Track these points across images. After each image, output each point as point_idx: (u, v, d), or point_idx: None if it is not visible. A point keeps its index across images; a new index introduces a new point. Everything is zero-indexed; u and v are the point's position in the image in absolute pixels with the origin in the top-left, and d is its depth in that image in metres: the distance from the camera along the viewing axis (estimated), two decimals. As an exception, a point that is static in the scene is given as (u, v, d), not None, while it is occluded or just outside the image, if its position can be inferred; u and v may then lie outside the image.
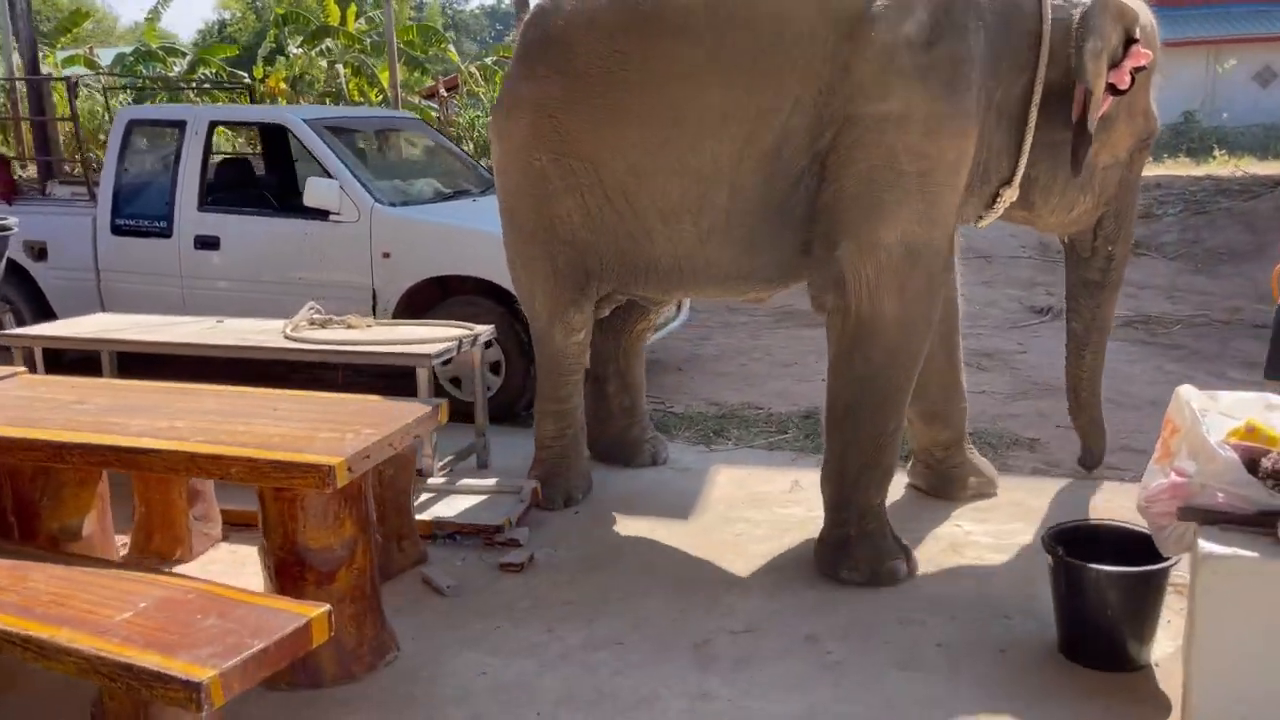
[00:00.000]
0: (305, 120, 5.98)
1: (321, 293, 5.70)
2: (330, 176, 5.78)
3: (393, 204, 5.80)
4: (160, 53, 22.24)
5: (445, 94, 22.58)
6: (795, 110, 3.60)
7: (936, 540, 4.04)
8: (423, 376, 4.33)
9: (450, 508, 4.24)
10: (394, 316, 5.71)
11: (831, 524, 3.78)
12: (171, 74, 23.30)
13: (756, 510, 4.37)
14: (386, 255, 5.68)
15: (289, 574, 3.02)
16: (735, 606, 3.52)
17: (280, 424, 3.09)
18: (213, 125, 6.18)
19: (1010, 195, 3.82)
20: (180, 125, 6.16)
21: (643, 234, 3.90)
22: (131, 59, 21.84)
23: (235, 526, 4.20)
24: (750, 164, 3.66)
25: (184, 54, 23.36)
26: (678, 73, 3.67)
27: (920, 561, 3.82)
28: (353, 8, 22.20)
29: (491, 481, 4.39)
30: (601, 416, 4.81)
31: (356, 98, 22.99)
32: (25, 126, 13.01)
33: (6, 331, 4.90)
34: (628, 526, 4.22)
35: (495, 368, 5.60)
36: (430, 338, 4.51)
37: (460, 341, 4.53)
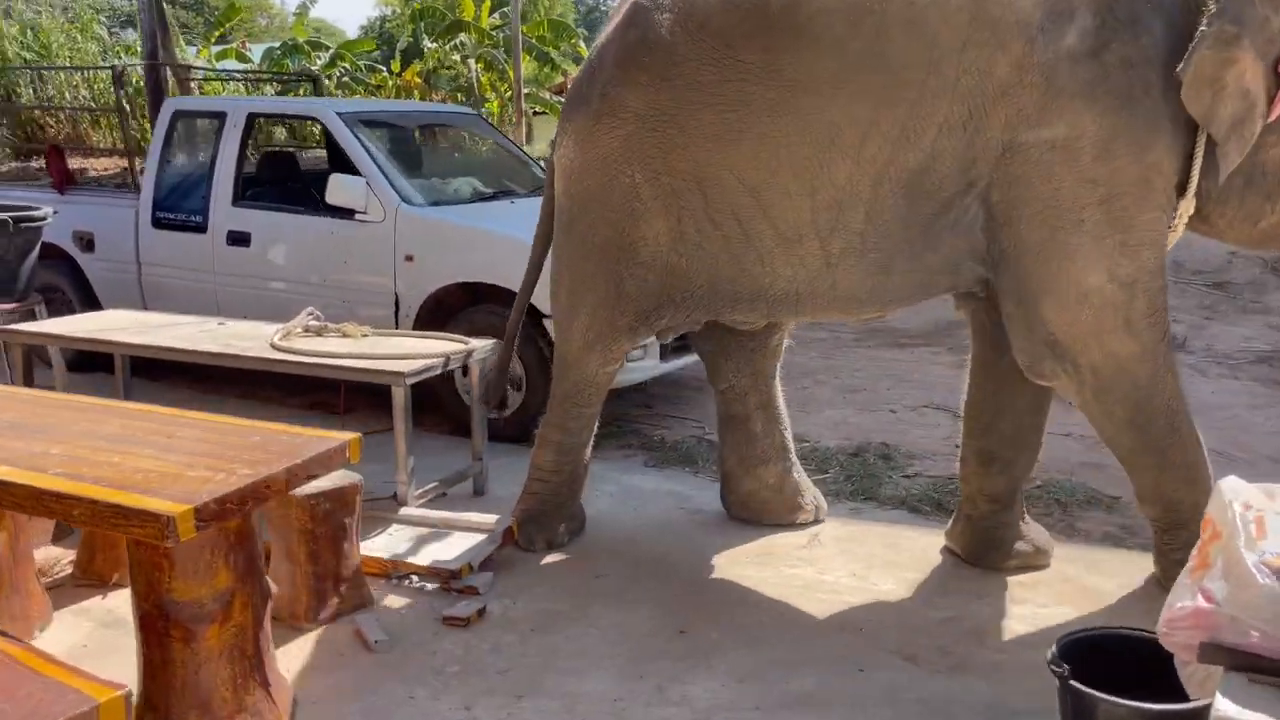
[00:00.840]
0: (339, 114, 5.70)
1: (345, 295, 5.44)
2: (358, 173, 5.47)
3: (420, 204, 5.45)
4: (306, 47, 22.80)
5: (572, 89, 22.37)
6: (943, 133, 3.16)
7: (956, 624, 3.40)
8: (398, 395, 3.96)
9: (413, 544, 3.84)
10: (416, 323, 5.37)
11: (1171, 546, 3.40)
12: (314, 67, 23.93)
13: (760, 567, 3.82)
14: (409, 258, 5.35)
15: (153, 629, 2.66)
16: (690, 698, 2.99)
17: (162, 455, 2.74)
18: (251, 117, 5.97)
19: (1186, 208, 3.26)
20: (221, 117, 5.97)
21: (753, 259, 3.43)
22: (279, 53, 22.48)
23: None
24: (890, 186, 3.24)
25: (328, 48, 23.91)
26: (810, 86, 3.22)
27: (930, 651, 3.21)
28: (486, 3, 22.27)
29: (468, 516, 3.97)
30: (750, 463, 4.14)
31: (488, 92, 23.12)
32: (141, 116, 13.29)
33: (6, 328, 4.76)
34: (605, 578, 3.74)
35: (517, 384, 5.19)
36: (417, 352, 4.13)
37: (447, 358, 4.13)
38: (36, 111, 16.83)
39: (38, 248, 5.60)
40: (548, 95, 23.84)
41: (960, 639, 3.29)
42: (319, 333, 4.55)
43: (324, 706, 2.94)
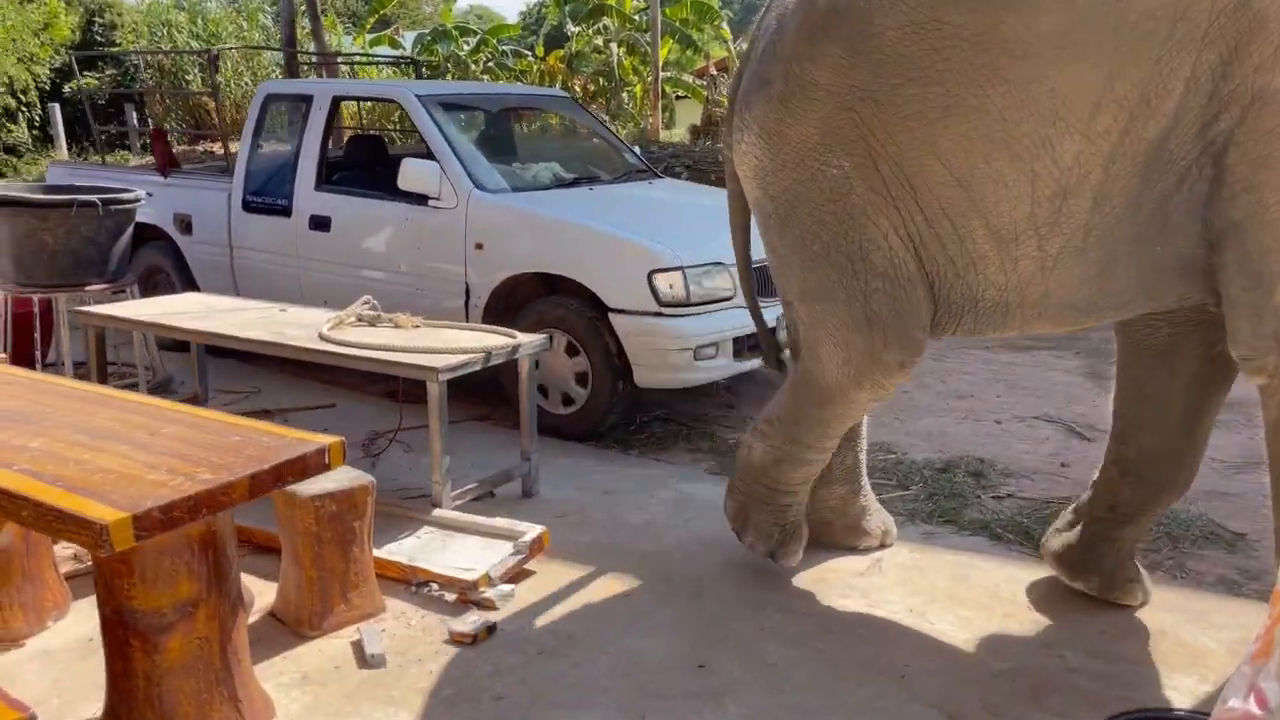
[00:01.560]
0: (418, 96, 5.56)
1: (419, 283, 5.32)
2: (433, 158, 5.33)
3: (493, 190, 5.26)
4: (454, 33, 23.16)
5: (715, 73, 22.08)
6: (1191, 89, 2.61)
7: (1014, 678, 2.97)
8: (433, 391, 3.76)
9: (438, 550, 3.65)
10: (485, 313, 5.20)
11: None
12: (461, 53, 24.29)
13: (806, 595, 3.46)
14: (479, 246, 5.17)
15: (114, 637, 2.54)
16: (689, 741, 2.69)
17: (134, 454, 2.61)
18: (336, 100, 5.91)
19: None
20: (307, 100, 5.93)
21: (966, 263, 2.92)
22: (429, 39, 22.91)
23: (255, 549, 3.81)
24: (1124, 164, 2.72)
25: (476, 33, 24.25)
26: (1028, 50, 2.68)
27: (975, 709, 2.81)
28: (629, -13, 22.10)
29: (499, 522, 3.75)
30: (815, 483, 3.65)
31: (630, 76, 22.97)
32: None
33: (78, 309, 4.81)
34: (632, 598, 3.45)
35: (582, 379, 4.95)
36: (456, 347, 3.93)
37: (488, 354, 3.92)
38: (204, 98, 17.53)
39: (130, 230, 5.69)
40: (690, 79, 23.54)
41: (1014, 698, 2.87)
42: (372, 322, 4.42)
43: (301, 725, 2.76)
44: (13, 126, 20.67)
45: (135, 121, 21.21)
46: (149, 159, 9.47)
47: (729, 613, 3.35)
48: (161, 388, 5.85)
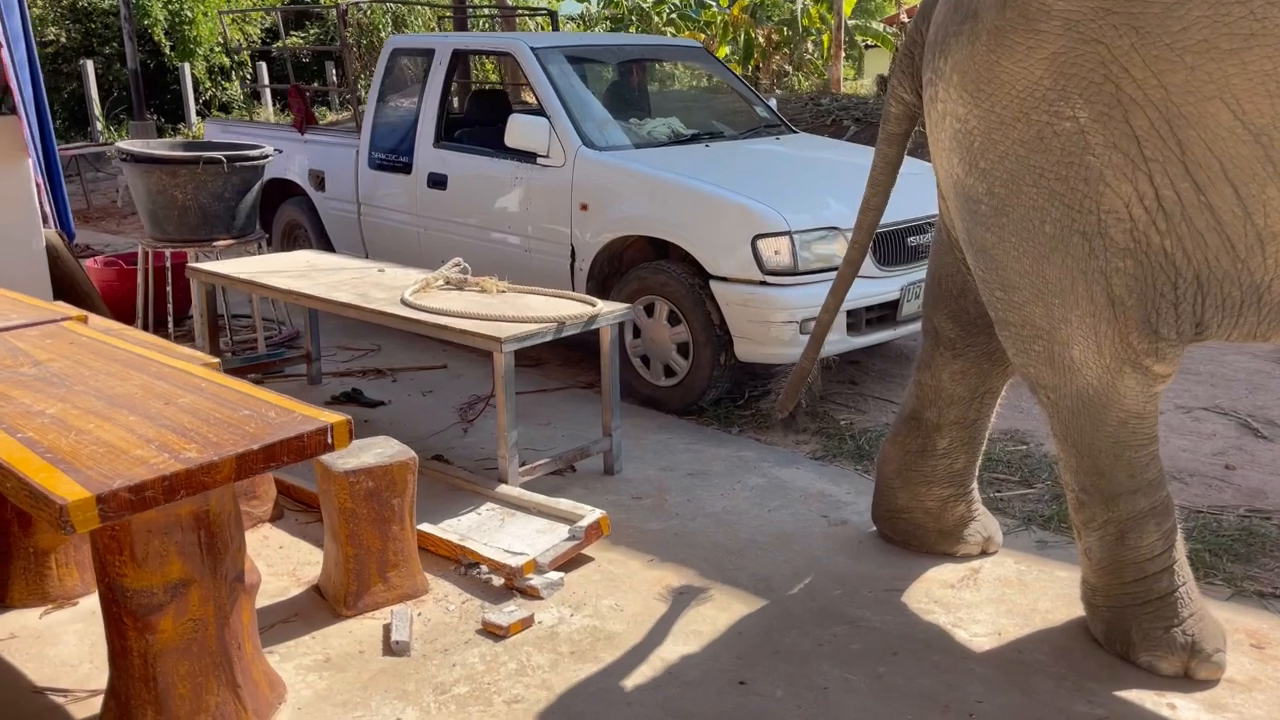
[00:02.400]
0: (534, 49, 5.34)
1: (527, 244, 5.16)
2: (543, 114, 5.11)
3: (602, 147, 5.00)
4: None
5: (906, 19, 21.07)
6: None
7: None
8: (498, 362, 3.57)
9: (494, 529, 3.47)
10: (590, 277, 4.97)
11: None
12: (645, 5, 24.05)
13: (882, 607, 3.09)
14: (584, 207, 4.93)
15: (110, 613, 2.48)
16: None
17: (139, 424, 2.52)
18: (456, 55, 5.76)
19: None
20: (429, 55, 5.82)
21: (1251, 243, 2.34)
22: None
23: (306, 507, 3.79)
24: None
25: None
26: None
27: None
28: (818, -69, 21.27)
29: (562, 504, 3.53)
30: (913, 479, 3.30)
31: (817, 24, 22.15)
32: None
33: (191, 265, 4.88)
34: (687, 597, 3.17)
35: (684, 350, 4.66)
36: (531, 315, 3.72)
37: (561, 324, 3.68)
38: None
39: (257, 186, 5.77)
40: (880, 27, 22.49)
41: (1099, 755, 2.43)
42: (459, 285, 4.26)
43: (306, 713, 2.64)
44: (227, 84, 21.95)
45: (335, 78, 22.10)
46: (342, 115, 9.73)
47: (788, 622, 3.01)
48: (287, 343, 5.93)
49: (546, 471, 3.86)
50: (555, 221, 5.06)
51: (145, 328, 5.98)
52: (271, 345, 5.84)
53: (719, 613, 3.07)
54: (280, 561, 3.43)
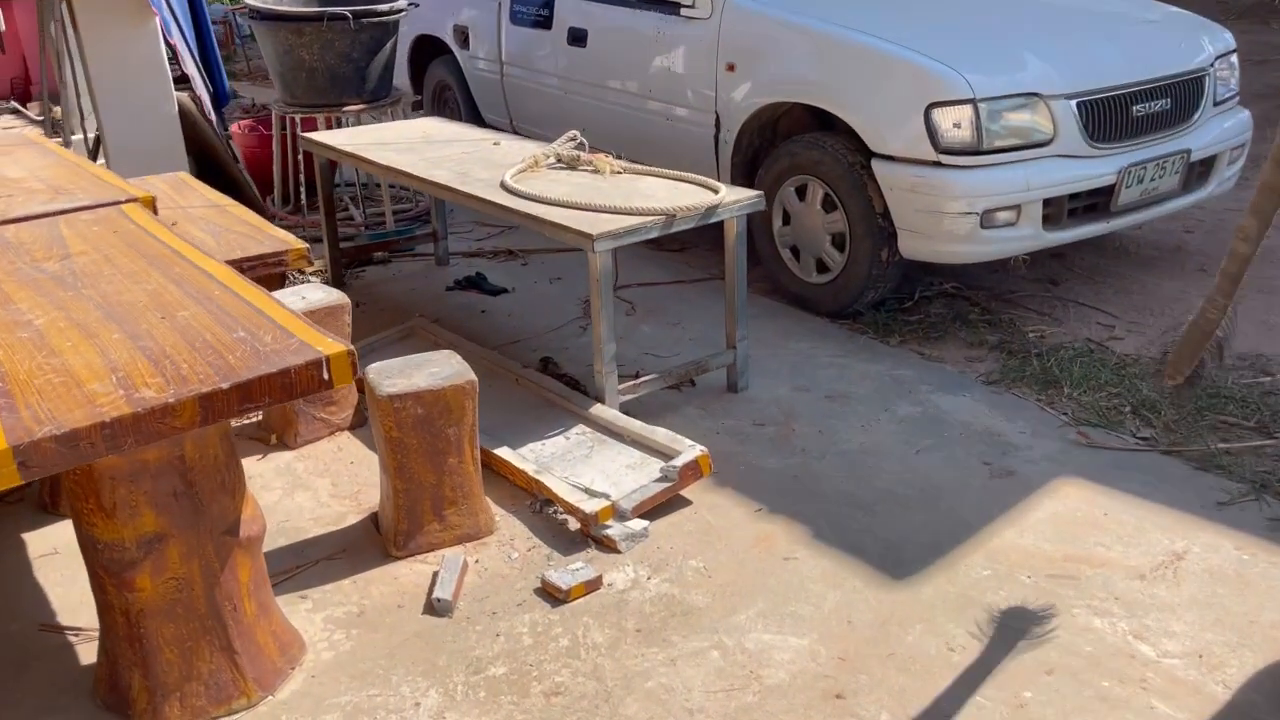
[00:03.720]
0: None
1: (667, 112, 4.52)
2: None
3: (759, -7, 4.21)
4: None
5: None
6: None
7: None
8: (593, 262, 3.01)
9: (580, 459, 2.96)
10: (735, 151, 4.28)
11: None
12: None
13: (1042, 599, 2.40)
14: (730, 67, 4.19)
15: (89, 564, 2.15)
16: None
17: (117, 347, 2.13)
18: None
19: None
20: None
21: None
22: None
23: None
24: None
25: None
26: None
27: None
28: None
29: (661, 434, 2.98)
30: None
31: None
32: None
33: (303, 134, 4.50)
34: (795, 564, 2.58)
35: (840, 242, 3.94)
36: (637, 207, 3.11)
37: (670, 216, 3.06)
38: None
39: (390, 46, 5.31)
40: None
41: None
42: (570, 164, 3.68)
43: (318, 684, 2.26)
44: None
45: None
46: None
47: (914, 611, 2.38)
48: (421, 218, 5.55)
49: (652, 390, 3.30)
50: (698, 84, 4.35)
51: (285, 198, 5.74)
52: (402, 221, 5.47)
53: (829, 590, 2.47)
54: (347, 480, 3.06)
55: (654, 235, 3.07)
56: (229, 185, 5.69)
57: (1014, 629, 2.31)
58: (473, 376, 2.66)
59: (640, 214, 3.07)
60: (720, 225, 3.28)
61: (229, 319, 2.24)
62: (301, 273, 4.85)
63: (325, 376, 2.05)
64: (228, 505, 2.15)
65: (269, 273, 3.56)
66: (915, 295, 4.16)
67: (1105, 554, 2.56)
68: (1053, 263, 4.48)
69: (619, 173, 3.57)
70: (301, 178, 5.43)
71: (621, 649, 2.31)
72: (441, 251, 4.90)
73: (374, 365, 2.72)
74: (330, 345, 2.07)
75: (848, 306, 3.97)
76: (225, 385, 1.94)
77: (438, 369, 2.69)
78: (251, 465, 3.16)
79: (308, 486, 3.04)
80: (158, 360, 2.04)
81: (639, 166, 3.59)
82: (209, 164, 5.72)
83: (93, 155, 5.81)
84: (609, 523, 2.70)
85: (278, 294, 3.31)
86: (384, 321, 4.21)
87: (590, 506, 2.70)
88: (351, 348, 2.07)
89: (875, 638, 2.31)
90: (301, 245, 3.58)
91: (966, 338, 3.84)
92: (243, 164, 5.74)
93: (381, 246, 4.88)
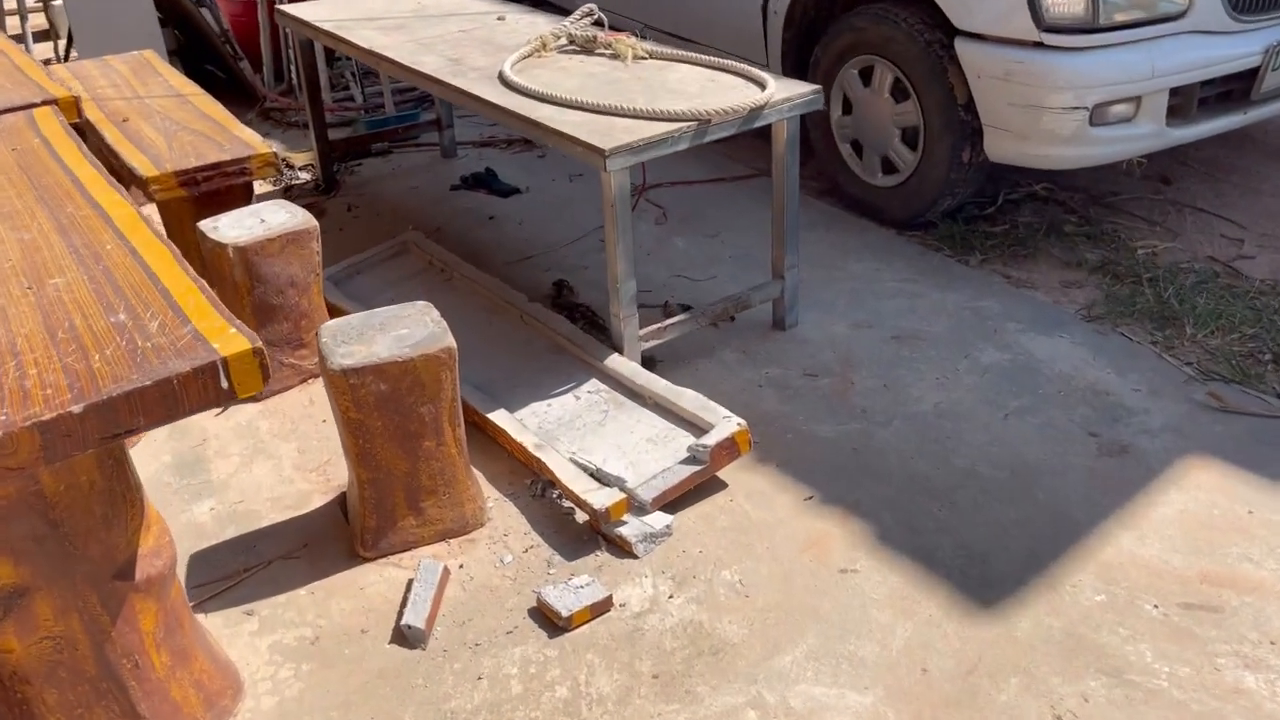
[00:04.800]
0: None
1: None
2: None
3: None
4: None
5: None
6: None
7: None
8: (608, 183, 2.40)
9: (591, 428, 2.43)
10: (786, 25, 3.58)
11: None
12: None
13: (1174, 641, 1.87)
14: (780, -78, 3.45)
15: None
16: None
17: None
18: None
19: None
20: None
21: None
22: None
23: None
24: None
25: None
26: None
27: None
28: None
29: (691, 400, 2.42)
30: None
31: None
32: None
33: (280, 8, 3.86)
34: (853, 585, 2.06)
35: (911, 138, 3.27)
36: (660, 110, 2.48)
37: (702, 122, 2.44)
38: None
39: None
40: None
41: None
42: (585, 47, 3.03)
43: (254, 747, 1.81)
44: None
45: None
46: None
47: (1007, 658, 1.86)
48: (425, 101, 4.90)
49: (681, 333, 2.73)
50: (744, -57, 3.62)
51: (278, 75, 5.11)
52: (405, 104, 4.83)
53: (897, 620, 1.95)
54: (315, 445, 2.56)
55: (683, 147, 2.44)
56: (219, 61, 5.07)
57: (1140, 689, 1.78)
58: (450, 342, 2.11)
59: (666, 119, 2.45)
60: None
61: (112, 291, 1.70)
62: (290, 167, 4.28)
63: (224, 385, 1.52)
64: (114, 543, 1.65)
65: (229, 184, 3.01)
66: (999, 200, 3.50)
67: (1254, 573, 2.00)
68: (1163, 156, 3.77)
69: (643, 58, 2.92)
70: (294, 51, 4.78)
71: (633, 705, 1.82)
72: (447, 141, 4.29)
73: (328, 325, 2.18)
74: (232, 340, 1.53)
75: (918, 216, 3.33)
76: (77, 409, 1.41)
77: (407, 330, 2.14)
78: (208, 422, 2.68)
79: (270, 454, 2.55)
80: (1, 360, 1.51)
81: (667, 50, 2.93)
82: (196, 37, 5.09)
83: (69, 42, 5.20)
84: (624, 519, 2.18)
85: (234, 213, 2.76)
86: (378, 230, 3.65)
87: (601, 500, 2.17)
88: (259, 344, 1.52)
89: (958, 696, 1.79)
90: (267, 150, 3.02)
91: (1061, 255, 3.20)
92: (230, 34, 5.10)
93: (379, 136, 4.27)
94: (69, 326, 1.60)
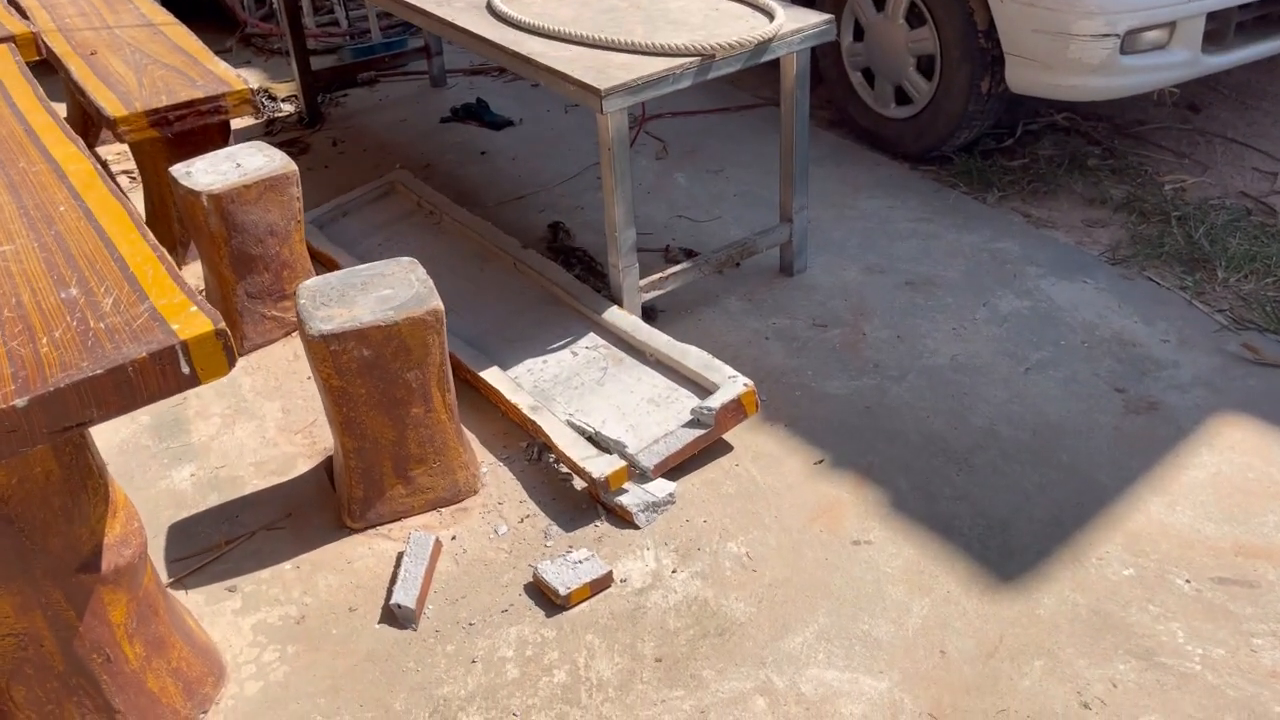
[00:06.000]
0: None
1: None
2: None
3: None
4: None
5: None
6: None
7: None
8: (604, 125, 2.24)
9: (589, 388, 2.30)
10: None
11: None
12: None
13: (1207, 618, 1.77)
14: None
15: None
16: None
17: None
18: None
19: None
20: None
21: None
22: None
23: None
24: None
25: None
26: None
27: None
28: None
29: (695, 357, 2.28)
30: None
31: None
32: None
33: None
34: (868, 557, 1.95)
35: (927, 67, 3.08)
36: (661, 45, 2.31)
37: (706, 57, 2.26)
38: None
39: None
40: None
41: None
42: (579, -28, 2.82)
43: (238, 737, 1.72)
44: None
45: None
46: None
47: (1030, 638, 1.76)
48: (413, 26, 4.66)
49: (683, 283, 2.58)
50: None
51: (266, 3, 4.87)
52: (391, 30, 4.60)
53: (913, 597, 1.85)
54: (300, 405, 2.45)
55: (685, 85, 2.27)
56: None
57: (1173, 673, 1.68)
58: (437, 303, 1.97)
59: (667, 54, 2.27)
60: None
61: (64, 261, 1.56)
62: (273, 99, 4.09)
63: (185, 371, 1.38)
64: (76, 535, 1.53)
65: (204, 124, 2.84)
66: (1017, 131, 3.32)
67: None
68: (1192, 81, 3.56)
69: (641, -14, 2.72)
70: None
71: (635, 690, 1.73)
72: (437, 70, 4.09)
73: (307, 285, 2.04)
74: (192, 320, 1.40)
75: (933, 149, 3.16)
76: (21, 402, 1.28)
77: (391, 290, 2.00)
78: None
79: (253, 414, 2.43)
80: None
81: (668, -23, 2.72)
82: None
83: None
84: (624, 487, 2.07)
85: (208, 157, 2.60)
86: (363, 168, 3.49)
87: (600, 468, 2.06)
88: (222, 325, 1.39)
89: (979, 680, 1.69)
90: (243, 87, 2.84)
91: (1084, 192, 3.03)
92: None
93: (365, 66, 4.06)
94: (15, 304, 1.47)
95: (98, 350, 1.35)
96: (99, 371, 1.32)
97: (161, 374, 1.37)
